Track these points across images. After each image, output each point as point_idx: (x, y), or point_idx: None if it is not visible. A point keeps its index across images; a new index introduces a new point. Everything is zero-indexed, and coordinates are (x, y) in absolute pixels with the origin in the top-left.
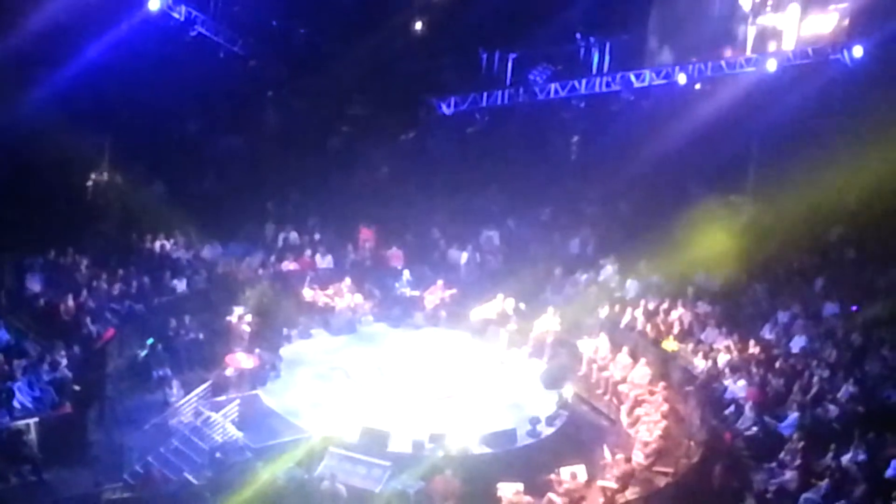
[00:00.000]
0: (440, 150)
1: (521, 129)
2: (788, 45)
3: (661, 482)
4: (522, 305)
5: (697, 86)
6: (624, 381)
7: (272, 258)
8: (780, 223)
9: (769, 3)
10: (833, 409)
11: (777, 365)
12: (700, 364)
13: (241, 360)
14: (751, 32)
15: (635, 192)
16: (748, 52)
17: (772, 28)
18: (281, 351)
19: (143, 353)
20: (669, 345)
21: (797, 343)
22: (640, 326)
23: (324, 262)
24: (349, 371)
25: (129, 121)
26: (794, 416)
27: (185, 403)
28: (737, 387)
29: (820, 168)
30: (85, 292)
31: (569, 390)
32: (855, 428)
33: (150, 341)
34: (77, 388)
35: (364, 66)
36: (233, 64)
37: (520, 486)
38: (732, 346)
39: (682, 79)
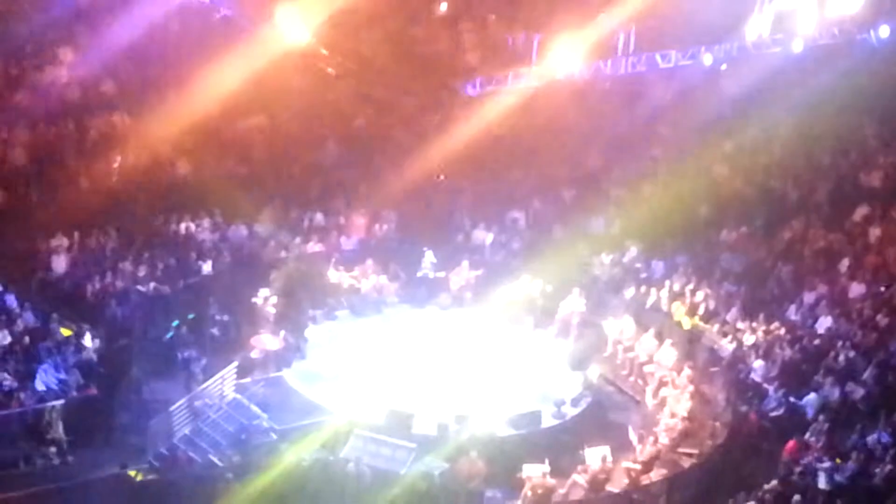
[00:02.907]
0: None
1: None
2: (809, 26)
3: (686, 463)
4: (548, 287)
5: (723, 66)
6: (649, 362)
7: (298, 240)
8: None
9: None
10: (859, 390)
11: (802, 346)
12: (726, 345)
13: (266, 341)
14: (769, 13)
15: (659, 173)
16: (767, 34)
17: (791, 10)
18: (306, 332)
19: (168, 335)
20: (685, 321)
21: (822, 324)
22: (665, 307)
23: (349, 243)
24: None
25: (156, 102)
26: (818, 395)
27: (211, 385)
28: (762, 368)
29: (844, 148)
30: (110, 274)
31: (594, 371)
32: (881, 409)
33: (175, 323)
34: (103, 370)
35: (389, 47)
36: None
37: (545, 468)
38: (758, 327)
39: (707, 59)
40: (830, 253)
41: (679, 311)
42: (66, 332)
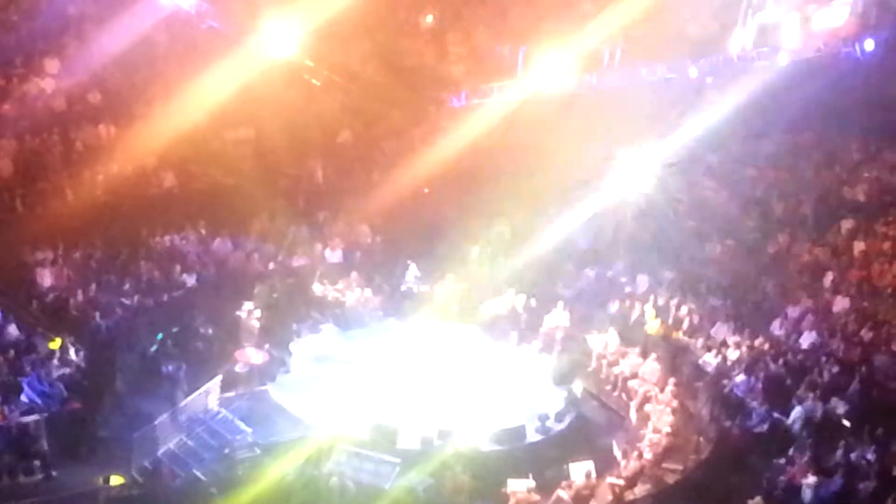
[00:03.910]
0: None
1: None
2: (793, 39)
3: (671, 479)
4: (532, 301)
5: (709, 80)
6: (633, 376)
7: (282, 253)
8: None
9: None
10: (842, 405)
11: (786, 361)
12: (710, 360)
13: (250, 355)
14: (752, 27)
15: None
16: (749, 47)
17: (774, 23)
18: (290, 346)
19: (152, 349)
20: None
21: (806, 339)
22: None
23: (333, 256)
24: (360, 367)
25: (142, 113)
26: (802, 410)
27: (195, 399)
28: (744, 382)
29: (829, 162)
30: (95, 287)
31: (578, 386)
32: (865, 424)
33: (159, 336)
34: (86, 383)
35: (375, 60)
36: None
37: (529, 483)
38: (742, 342)
39: (693, 72)
40: (815, 267)
41: (652, 321)
42: (53, 344)
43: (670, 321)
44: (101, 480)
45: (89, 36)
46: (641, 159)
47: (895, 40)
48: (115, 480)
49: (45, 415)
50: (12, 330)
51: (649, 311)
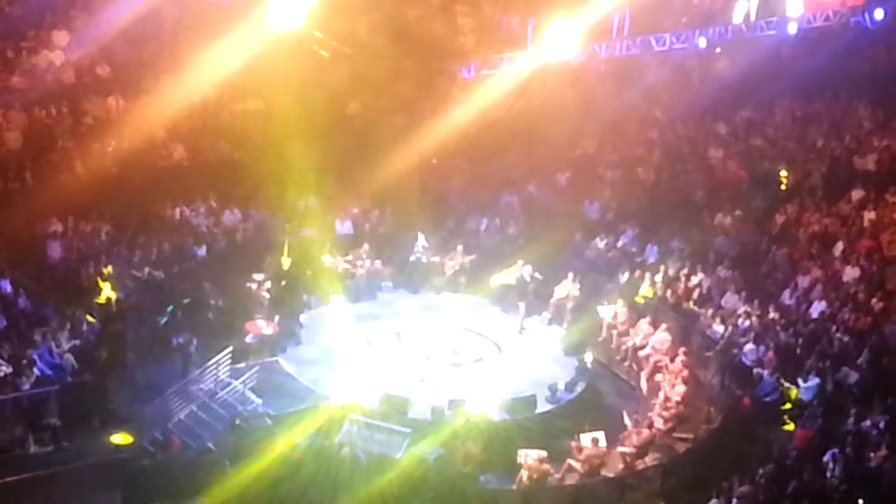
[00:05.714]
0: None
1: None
2: (797, 7)
3: (681, 448)
4: (541, 271)
5: (718, 49)
6: (644, 347)
7: (293, 224)
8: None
9: None
10: (853, 375)
11: (796, 330)
12: (720, 329)
13: (261, 326)
14: None
15: (654, 156)
16: (753, 17)
17: None
18: (301, 317)
19: (163, 320)
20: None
21: (817, 308)
22: (659, 292)
23: (343, 228)
24: (370, 338)
25: (151, 85)
26: (814, 381)
27: (205, 370)
28: (752, 352)
29: (839, 131)
30: (105, 259)
31: (588, 356)
32: (875, 393)
33: (170, 308)
34: (97, 355)
35: (384, 30)
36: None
37: (542, 453)
38: (752, 312)
39: (702, 42)
40: (825, 236)
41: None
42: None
43: (680, 290)
44: (109, 439)
45: (98, 8)
46: None
47: None
48: (124, 439)
49: (56, 387)
50: (22, 302)
51: (647, 279)
